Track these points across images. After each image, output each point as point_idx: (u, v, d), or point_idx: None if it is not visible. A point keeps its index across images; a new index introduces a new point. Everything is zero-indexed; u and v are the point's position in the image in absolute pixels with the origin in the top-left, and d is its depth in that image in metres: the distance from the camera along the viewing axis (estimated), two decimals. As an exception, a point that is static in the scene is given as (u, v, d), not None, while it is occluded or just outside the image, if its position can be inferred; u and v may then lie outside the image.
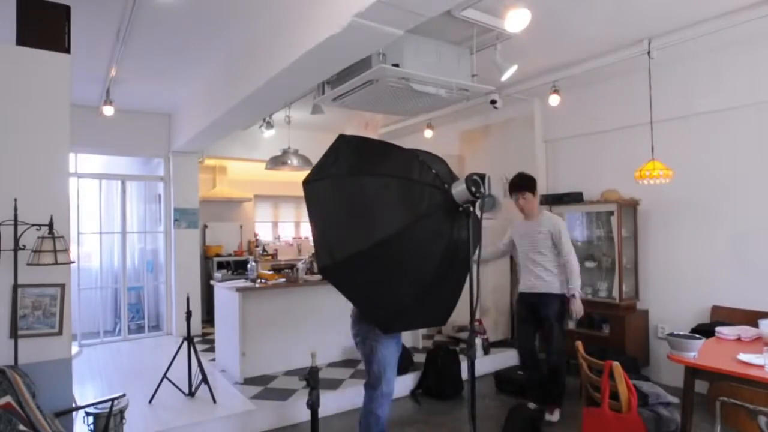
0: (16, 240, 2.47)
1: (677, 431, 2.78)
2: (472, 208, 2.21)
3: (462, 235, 2.22)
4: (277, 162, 5.62)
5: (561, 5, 3.32)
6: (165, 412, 3.60)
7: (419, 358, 4.90)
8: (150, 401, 3.75)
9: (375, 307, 2.47)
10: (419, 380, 4.42)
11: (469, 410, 1.98)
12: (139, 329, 6.60)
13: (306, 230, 8.62)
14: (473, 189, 2.20)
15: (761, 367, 2.52)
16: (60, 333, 2.61)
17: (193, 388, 3.86)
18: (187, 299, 3.97)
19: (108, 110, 4.84)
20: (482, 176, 2.20)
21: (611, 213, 4.63)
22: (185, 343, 3.85)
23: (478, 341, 5.01)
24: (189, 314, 3.91)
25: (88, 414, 2.72)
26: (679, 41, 3.74)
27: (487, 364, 4.91)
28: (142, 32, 3.75)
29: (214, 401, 3.74)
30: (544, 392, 3.79)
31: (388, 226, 2.17)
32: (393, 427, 3.69)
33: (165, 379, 3.79)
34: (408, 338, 5.32)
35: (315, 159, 6.17)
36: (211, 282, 5.29)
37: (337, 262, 2.24)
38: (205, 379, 3.79)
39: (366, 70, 3.12)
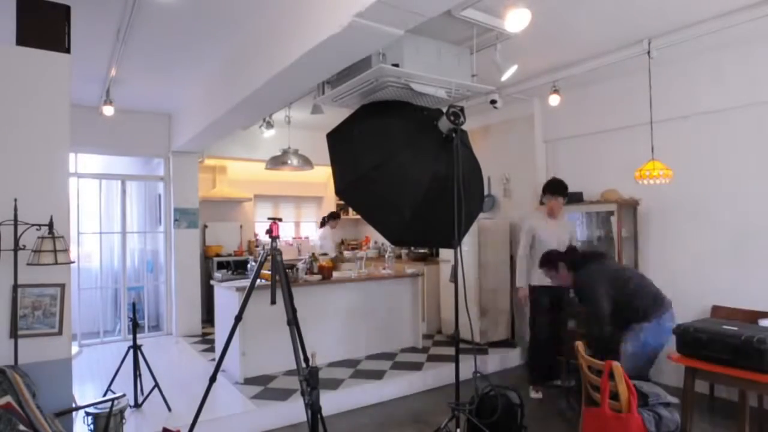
0: (16, 240, 2.47)
1: (677, 431, 2.77)
2: (454, 135, 2.80)
3: (450, 166, 2.80)
4: (277, 162, 5.62)
5: (561, 5, 3.32)
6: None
7: (419, 358, 4.92)
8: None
9: (382, 222, 3.12)
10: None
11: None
12: (139, 329, 6.58)
13: (305, 230, 8.65)
14: (452, 118, 2.79)
15: (761, 367, 2.52)
16: (60, 333, 2.62)
17: (140, 400, 3.72)
18: (133, 305, 3.93)
19: (108, 110, 4.83)
20: (461, 108, 2.92)
21: (611, 213, 4.62)
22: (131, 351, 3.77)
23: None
24: (134, 322, 3.81)
25: (88, 414, 2.73)
26: (679, 41, 3.74)
27: (488, 363, 4.91)
28: (142, 32, 3.75)
29: (169, 409, 3.60)
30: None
31: (383, 153, 2.93)
32: (393, 427, 3.69)
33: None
34: (409, 338, 5.35)
35: (315, 159, 6.21)
36: (211, 282, 5.28)
37: (347, 182, 3.09)
38: (157, 386, 3.69)
39: (366, 70, 3.11)
